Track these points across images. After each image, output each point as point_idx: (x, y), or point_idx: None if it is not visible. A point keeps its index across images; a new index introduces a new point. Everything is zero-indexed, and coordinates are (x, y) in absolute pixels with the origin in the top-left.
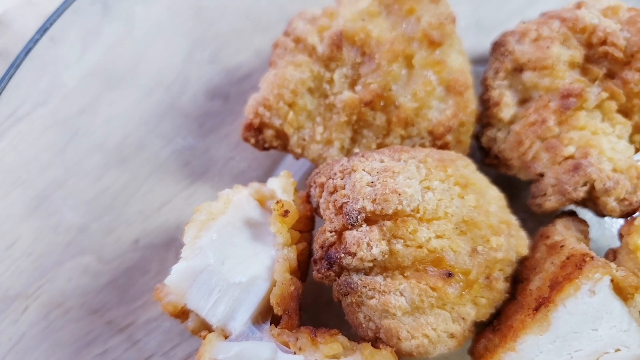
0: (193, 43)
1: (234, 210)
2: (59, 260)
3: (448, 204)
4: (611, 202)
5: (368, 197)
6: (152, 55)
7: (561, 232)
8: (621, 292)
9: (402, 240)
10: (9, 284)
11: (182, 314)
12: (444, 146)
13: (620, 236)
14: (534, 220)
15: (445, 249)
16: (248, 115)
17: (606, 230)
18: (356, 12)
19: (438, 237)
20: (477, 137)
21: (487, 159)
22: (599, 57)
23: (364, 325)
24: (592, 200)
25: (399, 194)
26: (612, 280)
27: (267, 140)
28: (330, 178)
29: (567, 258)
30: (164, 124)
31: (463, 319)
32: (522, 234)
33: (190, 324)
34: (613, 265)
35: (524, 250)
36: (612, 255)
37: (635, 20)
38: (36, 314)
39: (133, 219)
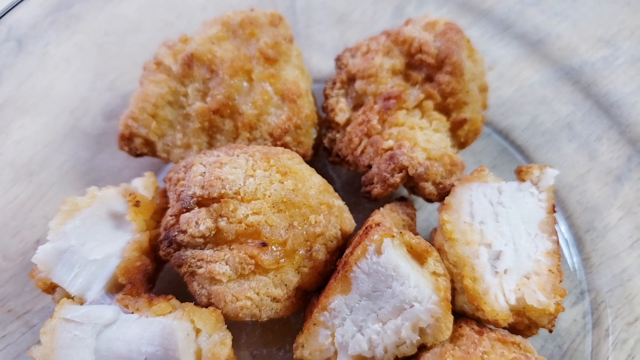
0: (95, 74)
1: (99, 204)
2: None
3: (267, 187)
4: (429, 187)
5: (198, 184)
6: (60, 86)
7: (384, 213)
8: (419, 257)
9: (226, 218)
10: None
11: (52, 289)
12: (285, 146)
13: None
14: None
15: (262, 223)
16: (120, 127)
17: None
18: (206, 37)
19: (255, 213)
20: None
21: (330, 157)
22: (418, 64)
23: (198, 292)
24: (416, 187)
25: (222, 180)
26: (411, 248)
27: (138, 147)
28: (176, 173)
29: (365, 228)
30: (68, 142)
31: (285, 285)
32: (347, 215)
33: (57, 296)
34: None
35: (348, 228)
36: (434, 231)
37: (446, 31)
38: None
39: (36, 222)
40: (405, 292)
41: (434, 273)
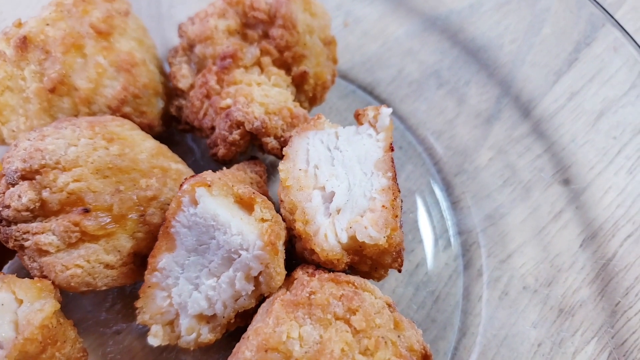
0: None
1: None
2: None
3: (89, 154)
4: (271, 141)
5: (20, 158)
6: None
7: (227, 172)
8: (248, 206)
9: (49, 189)
10: None
11: None
12: (126, 116)
13: None
14: None
15: (84, 190)
16: None
17: None
18: (40, 19)
19: (76, 181)
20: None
21: (180, 126)
22: (254, 23)
23: (30, 266)
24: (261, 143)
25: (42, 151)
26: (241, 199)
27: None
28: (7, 152)
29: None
30: None
31: (118, 251)
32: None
33: None
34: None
35: None
36: None
37: None
38: None
39: None
40: (230, 241)
41: (261, 219)
